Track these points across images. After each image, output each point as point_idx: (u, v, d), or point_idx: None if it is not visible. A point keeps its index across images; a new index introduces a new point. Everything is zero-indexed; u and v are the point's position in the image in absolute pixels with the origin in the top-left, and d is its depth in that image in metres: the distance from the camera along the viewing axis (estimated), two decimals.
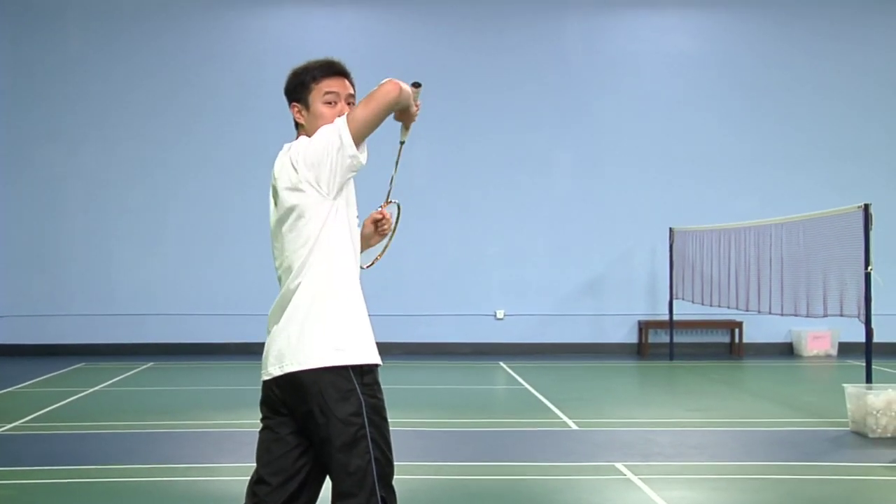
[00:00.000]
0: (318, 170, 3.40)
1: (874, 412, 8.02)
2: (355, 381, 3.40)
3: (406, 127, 3.67)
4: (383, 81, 3.43)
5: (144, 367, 13.26)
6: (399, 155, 3.75)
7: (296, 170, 3.43)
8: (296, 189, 3.44)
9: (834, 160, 15.02)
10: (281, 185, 3.48)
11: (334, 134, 3.39)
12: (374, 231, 3.88)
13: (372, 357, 3.49)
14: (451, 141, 14.79)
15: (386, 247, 3.95)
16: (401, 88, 3.41)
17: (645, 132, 15.11)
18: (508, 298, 14.98)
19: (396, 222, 3.90)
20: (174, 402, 10.33)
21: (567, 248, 14.99)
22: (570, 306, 14.99)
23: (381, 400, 3.49)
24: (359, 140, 3.40)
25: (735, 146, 15.10)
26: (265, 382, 3.53)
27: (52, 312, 14.70)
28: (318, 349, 3.40)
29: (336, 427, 3.36)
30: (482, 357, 14.34)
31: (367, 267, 3.81)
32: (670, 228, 14.35)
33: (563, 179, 15.10)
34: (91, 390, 11.00)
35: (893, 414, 7.94)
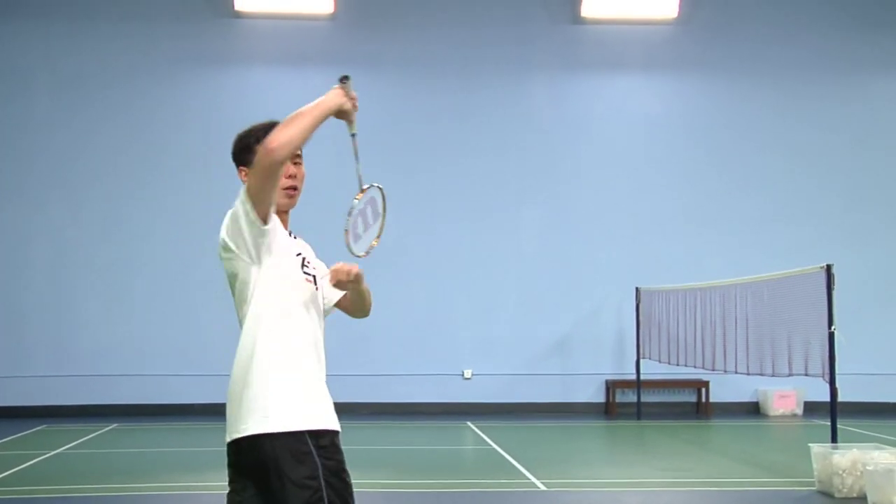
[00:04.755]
0: (235, 238, 3.47)
1: (840, 472, 8.06)
2: (311, 444, 3.40)
3: (350, 121, 3.57)
4: (262, 145, 3.34)
5: (108, 428, 13.08)
6: (355, 147, 3.64)
7: (222, 240, 3.52)
8: (226, 257, 3.52)
9: (796, 221, 15.19)
10: (219, 254, 3.56)
11: (239, 204, 3.44)
12: (346, 288, 3.73)
13: (325, 423, 3.48)
14: (418, 200, 14.85)
15: (379, 234, 3.76)
16: (269, 150, 3.30)
17: (611, 192, 15.25)
18: (476, 358, 14.96)
19: (384, 203, 3.77)
20: (139, 464, 10.19)
21: (534, 307, 15.02)
22: (538, 366, 14.98)
23: (340, 462, 3.47)
24: (260, 207, 3.41)
25: (700, 207, 15.27)
26: (228, 448, 3.54)
27: (13, 373, 14.48)
28: (268, 416, 3.40)
29: (291, 490, 3.35)
30: (450, 417, 14.27)
31: (365, 255, 3.66)
32: (637, 288, 14.44)
33: (529, 239, 15.18)
34: (53, 453, 10.83)
35: (859, 474, 7.97)
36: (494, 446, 11.29)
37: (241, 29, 15.26)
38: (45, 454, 10.70)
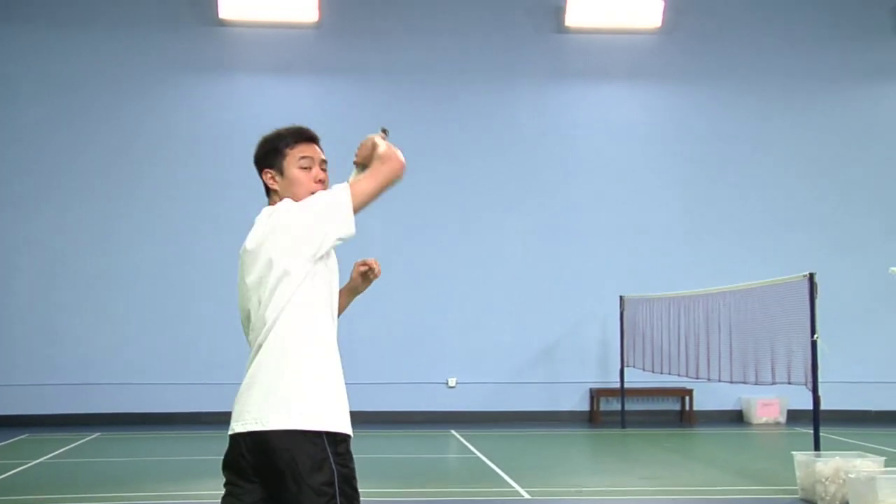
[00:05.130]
0: (309, 234, 3.44)
1: (823, 480, 8.08)
2: (329, 450, 3.39)
3: (361, 172, 3.69)
4: (387, 156, 3.53)
5: (91, 437, 13.02)
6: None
7: (282, 231, 3.45)
8: (279, 250, 3.45)
9: (781, 230, 15.26)
10: (263, 245, 3.48)
11: (333, 203, 3.45)
12: (362, 281, 3.91)
13: (346, 427, 3.48)
14: (404, 208, 14.84)
15: None
16: (404, 166, 3.55)
17: (596, 201, 15.28)
18: (460, 366, 14.96)
19: None
20: (122, 474, 10.14)
21: (519, 316, 15.03)
22: (522, 374, 14.99)
23: (353, 470, 3.49)
24: (357, 211, 3.47)
25: (685, 215, 15.32)
26: (233, 444, 3.48)
27: None
28: (292, 411, 3.37)
29: (308, 496, 3.34)
30: (434, 425, 14.26)
31: None
32: (621, 297, 14.46)
33: (514, 248, 15.19)
34: (35, 462, 10.77)
35: (841, 482, 8.00)
36: (479, 455, 11.29)
37: (225, 37, 15.25)
38: (27, 463, 10.63)
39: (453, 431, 13.52)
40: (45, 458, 11.10)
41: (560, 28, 15.45)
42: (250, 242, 3.54)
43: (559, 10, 15.36)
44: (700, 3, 15.68)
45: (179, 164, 14.95)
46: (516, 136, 15.36)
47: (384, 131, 3.70)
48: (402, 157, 3.56)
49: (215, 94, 15.23)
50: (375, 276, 3.88)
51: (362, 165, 3.72)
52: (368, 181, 3.50)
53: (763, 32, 15.66)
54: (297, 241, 3.44)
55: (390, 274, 15.48)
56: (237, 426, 3.44)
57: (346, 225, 3.46)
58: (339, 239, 3.49)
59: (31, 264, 14.72)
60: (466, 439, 12.69)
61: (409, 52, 15.36)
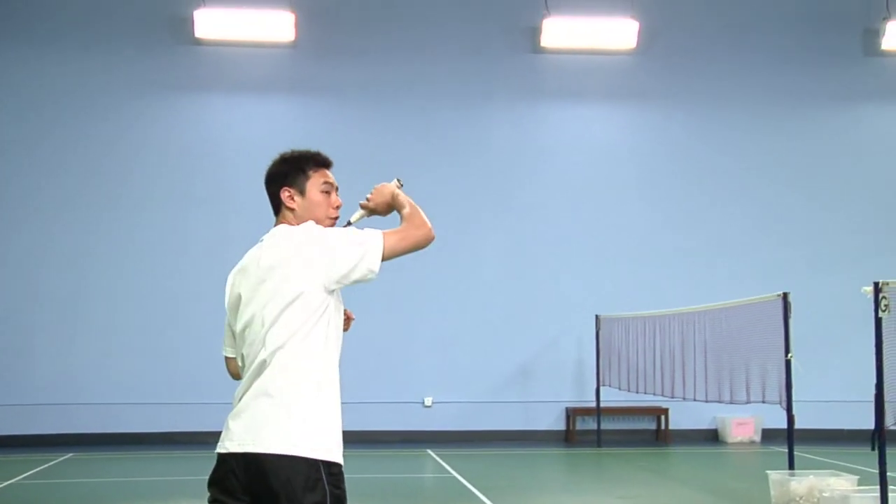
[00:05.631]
0: (337, 262, 3.47)
1: (797, 498, 8.12)
2: (322, 471, 3.41)
3: (367, 216, 3.79)
4: (420, 223, 3.62)
5: (64, 458, 12.89)
6: (346, 223, 3.79)
7: (308, 252, 3.46)
8: (299, 268, 3.45)
9: (757, 248, 15.34)
10: (283, 262, 3.47)
11: (368, 243, 3.51)
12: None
13: (339, 457, 3.51)
14: (379, 228, 14.83)
15: None
16: (434, 238, 3.64)
17: (572, 221, 15.33)
18: (436, 386, 14.93)
19: None
20: (95, 495, 10.06)
21: (495, 335, 15.03)
22: (498, 394, 14.98)
23: (344, 491, 3.52)
24: (383, 260, 3.54)
25: (660, 235, 15.37)
26: (222, 462, 3.46)
27: None
28: (290, 436, 3.38)
29: None
30: (410, 445, 14.22)
31: None
32: (596, 316, 14.49)
33: (490, 267, 15.21)
34: (6, 483, 10.65)
35: (815, 500, 8.04)
36: (455, 474, 11.26)
37: (202, 56, 15.21)
38: None
39: (429, 451, 13.48)
40: (16, 479, 10.97)
41: (536, 48, 15.52)
42: (267, 258, 3.52)
43: (535, 31, 15.44)
44: (674, 25, 15.81)
45: (156, 181, 14.88)
46: (492, 155, 15.40)
47: (399, 183, 3.75)
48: (431, 229, 3.63)
49: (192, 113, 15.18)
50: (346, 330, 3.86)
51: (370, 210, 3.76)
52: (399, 241, 3.57)
53: (736, 53, 15.79)
54: (323, 265, 3.46)
55: (366, 293, 15.41)
56: (231, 445, 3.43)
57: (373, 268, 3.51)
58: (358, 280, 3.51)
59: (7, 282, 14.59)
60: (443, 459, 12.66)
61: (384, 72, 15.38)
